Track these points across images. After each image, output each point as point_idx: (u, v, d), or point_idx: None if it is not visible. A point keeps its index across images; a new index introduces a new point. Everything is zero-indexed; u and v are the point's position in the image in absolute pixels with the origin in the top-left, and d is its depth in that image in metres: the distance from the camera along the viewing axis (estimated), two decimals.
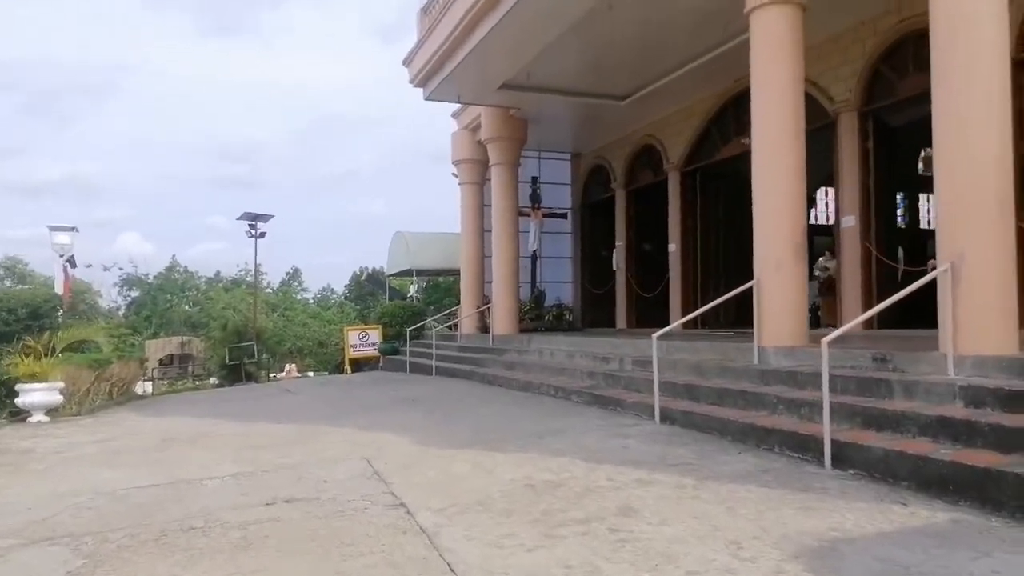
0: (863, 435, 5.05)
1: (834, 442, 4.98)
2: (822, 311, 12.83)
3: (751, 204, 7.55)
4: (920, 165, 13.85)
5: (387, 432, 7.17)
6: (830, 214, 23.16)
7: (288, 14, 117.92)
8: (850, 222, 10.22)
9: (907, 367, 5.83)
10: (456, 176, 17.48)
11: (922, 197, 17.47)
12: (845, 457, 4.91)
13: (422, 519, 4.19)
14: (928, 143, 7.88)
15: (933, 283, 5.65)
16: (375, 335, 20.67)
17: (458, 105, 16.89)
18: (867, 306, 9.96)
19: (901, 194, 16.44)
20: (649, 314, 15.80)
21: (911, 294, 5.81)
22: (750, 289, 7.38)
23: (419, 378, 13.87)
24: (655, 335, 7.15)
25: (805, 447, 5.29)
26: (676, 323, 9.16)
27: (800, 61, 7.44)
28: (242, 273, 48.91)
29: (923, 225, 17.63)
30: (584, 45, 11.23)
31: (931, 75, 5.81)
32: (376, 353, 20.05)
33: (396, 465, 5.59)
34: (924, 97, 9.12)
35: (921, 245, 14.48)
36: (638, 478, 4.91)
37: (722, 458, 5.42)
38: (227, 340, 21.76)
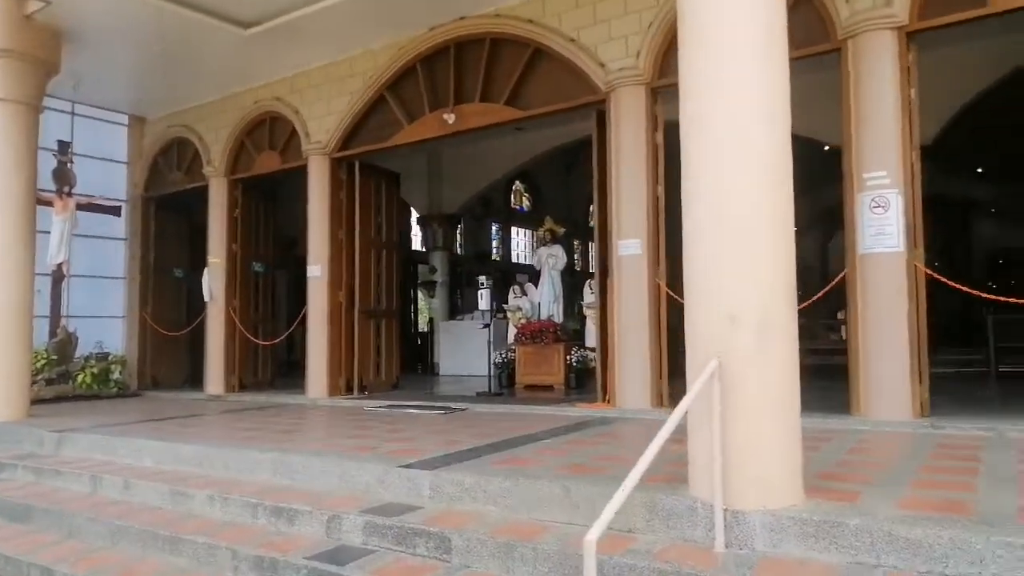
0: None
1: None
2: (520, 370, 9.46)
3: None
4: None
5: None
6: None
7: None
8: (632, 249, 7.04)
9: None
10: None
11: None
12: None
13: None
14: None
15: None
16: None
17: None
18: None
19: None
20: (267, 370, 10.60)
21: None
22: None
23: None
24: (589, 540, 2.51)
25: None
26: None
27: None
28: None
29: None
30: None
31: None
32: None
33: None
34: None
35: None
36: None
37: None
38: None
